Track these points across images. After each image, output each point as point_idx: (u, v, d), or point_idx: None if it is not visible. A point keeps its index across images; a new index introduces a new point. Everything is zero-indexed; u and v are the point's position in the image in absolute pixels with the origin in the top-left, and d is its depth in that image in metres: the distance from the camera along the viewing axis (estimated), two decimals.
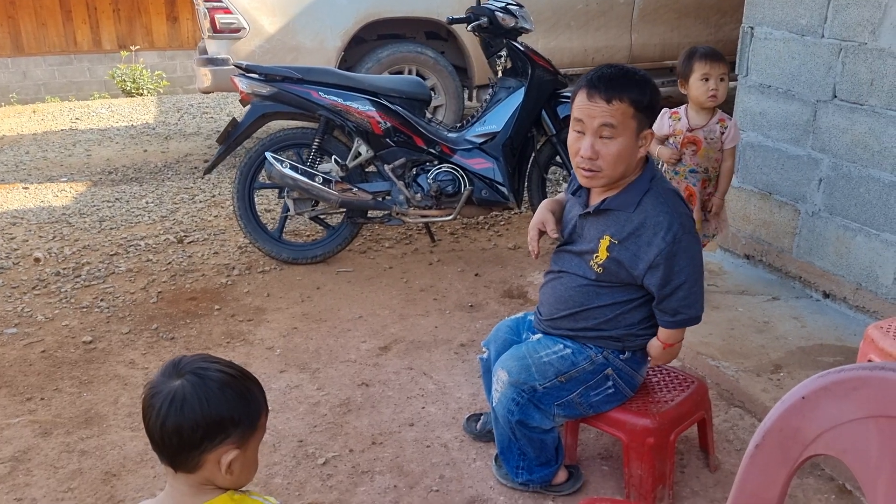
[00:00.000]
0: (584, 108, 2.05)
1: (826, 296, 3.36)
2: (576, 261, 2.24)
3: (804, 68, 3.33)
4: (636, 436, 2.22)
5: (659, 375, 2.43)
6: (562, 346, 2.24)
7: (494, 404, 2.27)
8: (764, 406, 2.66)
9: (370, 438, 2.69)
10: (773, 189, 3.57)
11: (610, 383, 2.22)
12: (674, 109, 3.26)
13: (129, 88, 10.68)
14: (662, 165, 3.25)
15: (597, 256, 2.15)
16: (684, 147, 3.22)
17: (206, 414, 1.29)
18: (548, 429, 2.26)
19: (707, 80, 3.10)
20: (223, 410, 1.30)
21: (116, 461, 2.60)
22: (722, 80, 3.12)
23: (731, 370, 2.86)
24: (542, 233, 2.33)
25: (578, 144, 2.08)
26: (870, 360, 2.39)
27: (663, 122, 3.23)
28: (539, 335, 2.33)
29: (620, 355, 2.21)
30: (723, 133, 3.19)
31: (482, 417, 2.68)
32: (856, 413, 1.03)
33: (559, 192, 4.78)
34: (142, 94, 10.60)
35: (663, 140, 3.26)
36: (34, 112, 8.98)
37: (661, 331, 2.17)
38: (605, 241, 2.13)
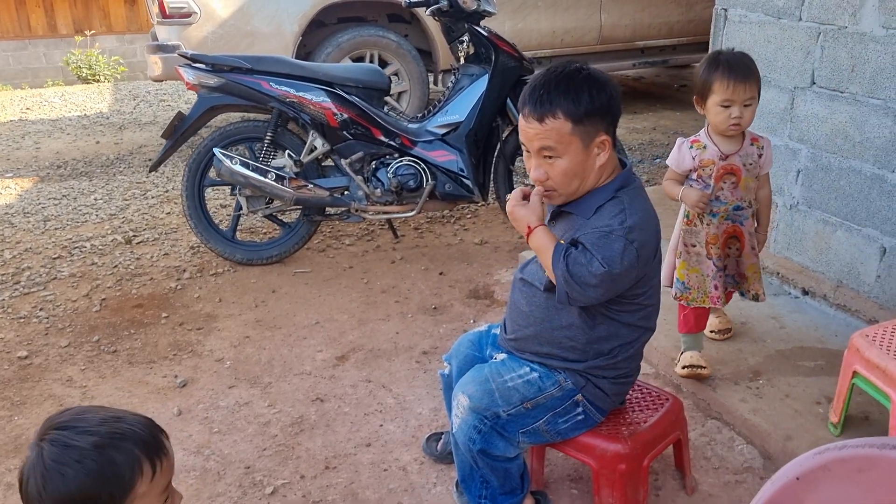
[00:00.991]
0: (523, 129, 1.90)
1: (805, 293, 3.21)
2: (534, 268, 2.06)
3: (781, 53, 3.15)
4: (607, 462, 2.04)
5: (631, 393, 2.25)
6: (528, 368, 2.05)
7: (455, 431, 2.09)
8: (742, 418, 2.50)
9: (323, 462, 2.49)
10: None
11: (580, 409, 2.03)
12: (693, 137, 2.57)
13: (84, 75, 10.29)
14: (686, 213, 2.60)
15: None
16: (719, 181, 2.51)
17: (49, 496, 1.10)
18: (512, 456, 2.08)
19: (728, 106, 2.42)
20: (71, 489, 1.11)
21: None
22: (748, 105, 2.43)
23: (707, 379, 2.69)
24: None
25: (529, 164, 1.94)
26: (855, 373, 2.24)
27: (683, 154, 2.54)
28: (504, 355, 2.14)
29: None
30: (760, 155, 2.55)
31: (443, 437, 2.50)
32: (862, 499, 0.85)
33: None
34: (99, 81, 10.22)
35: (684, 177, 2.58)
36: None
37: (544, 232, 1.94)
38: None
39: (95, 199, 5.08)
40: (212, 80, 3.72)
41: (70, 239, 4.40)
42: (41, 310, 3.56)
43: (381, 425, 2.67)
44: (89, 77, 10.28)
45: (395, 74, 6.00)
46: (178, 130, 3.82)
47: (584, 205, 1.94)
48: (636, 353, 2.05)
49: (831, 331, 2.97)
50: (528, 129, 1.88)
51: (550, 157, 1.88)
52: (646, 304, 1.99)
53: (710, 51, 3.51)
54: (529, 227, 1.94)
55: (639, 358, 2.09)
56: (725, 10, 3.40)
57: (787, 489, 0.91)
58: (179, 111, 3.83)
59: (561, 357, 2.00)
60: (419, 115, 4.19)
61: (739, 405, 2.55)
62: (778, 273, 3.32)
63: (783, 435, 2.38)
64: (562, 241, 1.90)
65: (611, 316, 1.95)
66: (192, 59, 3.77)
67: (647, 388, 2.28)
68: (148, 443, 1.18)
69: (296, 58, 5.58)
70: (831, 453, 0.89)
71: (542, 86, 1.86)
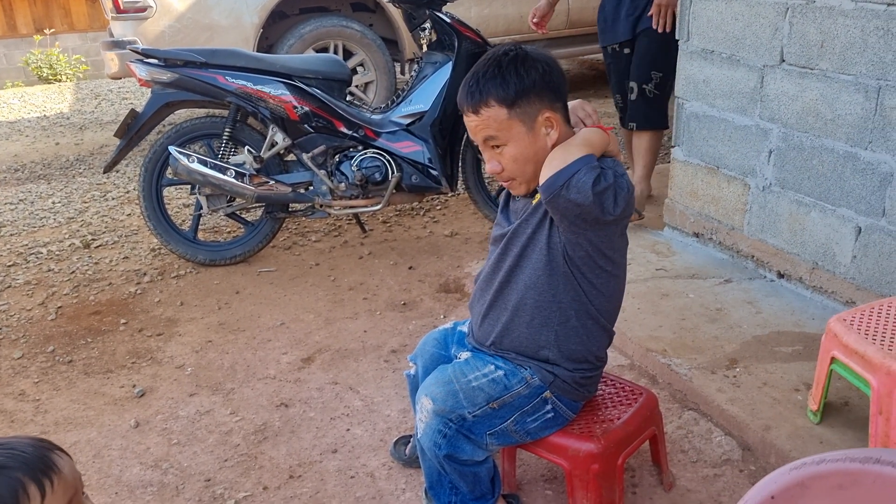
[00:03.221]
0: (466, 123, 1.84)
1: (780, 276, 3.14)
2: (497, 252, 1.96)
3: (749, 31, 3.07)
4: (579, 463, 1.95)
5: (603, 388, 2.16)
6: (493, 366, 1.95)
7: (420, 436, 1.98)
8: (720, 408, 2.42)
9: (287, 471, 2.38)
10: (721, 163, 3.32)
11: (549, 407, 1.94)
12: None
13: (45, 75, 10.05)
14: None
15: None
16: None
17: None
18: (481, 460, 1.98)
19: None
20: None
21: None
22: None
23: (683, 368, 2.61)
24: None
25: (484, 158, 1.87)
26: (833, 359, 2.17)
27: None
28: (468, 353, 2.05)
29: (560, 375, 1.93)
30: None
31: (411, 440, 2.39)
32: None
33: None
34: (60, 80, 9.99)
35: None
36: None
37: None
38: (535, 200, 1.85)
39: (53, 203, 4.92)
40: (165, 76, 3.58)
41: (26, 245, 4.24)
42: None
43: (348, 430, 2.57)
44: (50, 77, 10.05)
45: (361, 65, 5.87)
46: (132, 129, 3.67)
47: (547, 181, 1.83)
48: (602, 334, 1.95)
49: (808, 314, 2.90)
50: (469, 123, 1.81)
51: (497, 147, 1.80)
52: (616, 275, 1.89)
53: (677, 32, 3.44)
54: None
55: (606, 341, 1.99)
56: None
57: None
58: (133, 109, 3.69)
59: (522, 353, 1.91)
60: (383, 105, 4.07)
61: (716, 395, 2.47)
62: (753, 256, 3.24)
63: (762, 425, 2.30)
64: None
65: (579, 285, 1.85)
66: (144, 55, 3.63)
67: (620, 383, 2.19)
68: (33, 465, 1.09)
69: (257, 51, 5.45)
70: (808, 468, 0.80)
71: (472, 77, 1.78)
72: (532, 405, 1.93)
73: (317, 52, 5.59)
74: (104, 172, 3.96)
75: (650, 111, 3.95)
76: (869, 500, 0.74)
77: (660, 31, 3.75)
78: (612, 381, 2.20)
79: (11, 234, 4.41)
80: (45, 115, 7.52)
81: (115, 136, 3.72)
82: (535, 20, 4.17)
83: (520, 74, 1.74)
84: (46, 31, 10.85)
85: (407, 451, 2.38)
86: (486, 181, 4.17)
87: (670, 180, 3.65)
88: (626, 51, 3.97)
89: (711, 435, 2.40)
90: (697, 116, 3.40)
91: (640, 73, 3.89)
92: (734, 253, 3.34)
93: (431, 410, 1.94)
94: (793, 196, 3.01)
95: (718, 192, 3.37)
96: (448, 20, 3.74)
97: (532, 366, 1.93)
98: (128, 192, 5.07)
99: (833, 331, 2.17)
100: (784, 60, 2.94)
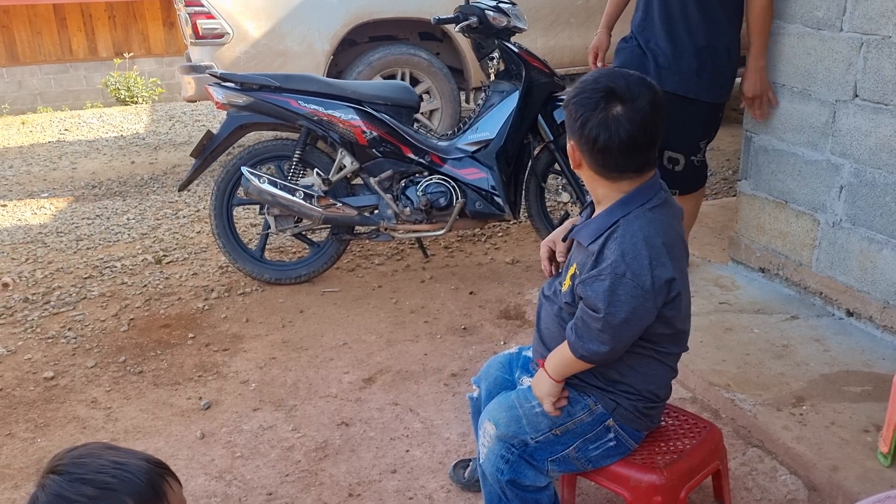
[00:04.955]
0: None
1: (850, 314, 3.07)
2: (556, 285, 1.98)
3: (821, 65, 3.04)
4: (641, 494, 1.94)
5: (667, 419, 2.14)
6: None
7: (482, 461, 2.00)
8: (786, 446, 2.37)
9: (347, 489, 2.42)
10: (790, 197, 3.28)
11: (611, 435, 1.94)
12: None
13: (123, 97, 10.44)
14: None
15: (565, 283, 1.91)
16: None
17: None
18: (542, 486, 1.99)
19: None
20: None
21: None
22: None
23: (747, 404, 2.57)
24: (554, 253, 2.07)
25: None
26: None
27: None
28: (531, 379, 2.06)
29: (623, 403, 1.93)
30: None
31: (471, 464, 2.41)
32: None
33: (558, 201, 4.51)
34: (136, 103, 10.36)
35: None
36: (23, 123, 8.77)
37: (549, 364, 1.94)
38: (571, 270, 1.88)
39: (128, 219, 5.10)
40: (240, 99, 3.71)
41: (101, 259, 4.40)
42: (69, 330, 3.55)
43: (408, 451, 2.60)
44: (127, 99, 10.43)
45: (427, 92, 5.96)
46: (207, 149, 3.81)
47: (585, 230, 1.86)
48: (666, 371, 1.95)
49: (878, 354, 2.83)
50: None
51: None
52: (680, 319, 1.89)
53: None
54: (547, 374, 1.92)
55: (671, 375, 1.99)
56: None
57: None
58: (208, 130, 3.82)
59: (583, 381, 1.92)
60: (449, 132, 4.13)
61: (782, 433, 2.42)
62: (821, 293, 3.18)
63: (829, 465, 2.25)
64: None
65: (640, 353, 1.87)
66: (222, 79, 3.77)
67: (684, 415, 2.17)
68: (143, 494, 1.13)
69: (327, 76, 5.58)
70: (891, 501, 0.79)
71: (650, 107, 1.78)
72: (595, 433, 1.93)
73: (384, 79, 5.70)
74: (179, 190, 4.10)
75: (693, 179, 3.36)
76: None
77: (759, 120, 3.32)
78: (675, 412, 2.18)
79: (88, 248, 4.58)
80: (122, 135, 7.81)
81: (190, 155, 3.86)
82: (594, 59, 3.61)
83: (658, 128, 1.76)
84: (126, 55, 11.27)
85: (466, 474, 2.40)
86: (549, 209, 4.19)
87: (737, 213, 3.61)
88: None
89: (776, 473, 2.35)
90: (766, 150, 3.37)
91: (688, 145, 3.23)
92: (801, 289, 3.29)
93: (494, 435, 1.96)
94: (864, 233, 2.96)
95: (786, 226, 3.32)
96: (516, 50, 3.79)
97: (596, 393, 1.93)
98: (198, 210, 5.23)
99: None
100: (857, 95, 2.90)
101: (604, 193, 1.83)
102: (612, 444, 1.95)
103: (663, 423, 2.13)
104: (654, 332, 1.84)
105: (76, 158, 6.92)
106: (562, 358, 1.88)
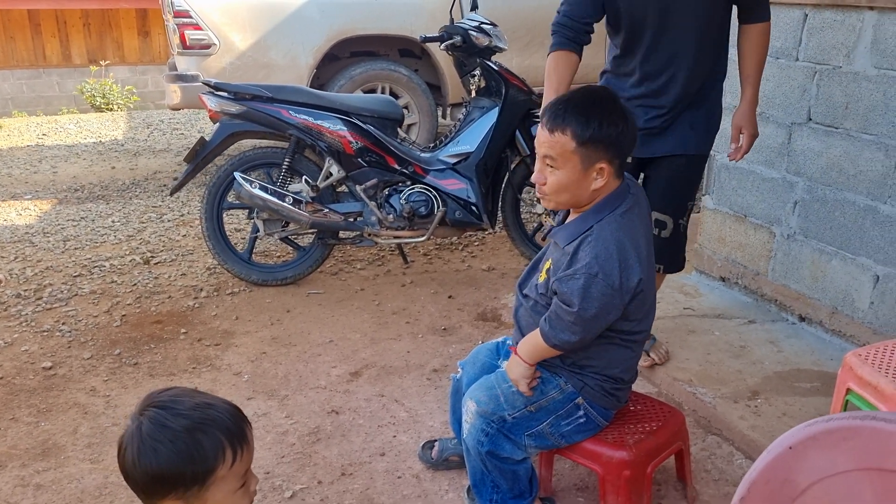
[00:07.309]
0: (537, 134, 2.05)
1: (802, 319, 3.34)
2: (532, 281, 2.21)
3: (779, 91, 3.32)
4: (612, 468, 2.15)
5: (636, 406, 2.37)
6: None
7: (465, 436, 2.21)
8: (742, 434, 2.61)
9: (339, 469, 2.60)
10: (749, 211, 3.55)
11: (581, 412, 2.16)
12: None
13: (98, 104, 10.52)
14: None
15: (541, 275, 2.15)
16: None
17: (141, 468, 1.24)
18: (519, 459, 2.20)
19: None
20: (162, 465, 1.24)
21: (74, 496, 2.48)
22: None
23: (707, 396, 2.81)
24: None
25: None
26: (848, 390, 2.36)
27: None
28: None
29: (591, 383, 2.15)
30: None
31: (436, 444, 2.61)
32: (846, 465, 0.97)
33: (532, 212, 4.75)
34: (111, 110, 10.44)
35: None
36: (0, 127, 8.80)
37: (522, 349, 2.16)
38: (547, 265, 2.12)
39: (113, 222, 5.23)
40: (233, 108, 3.89)
41: (90, 258, 4.53)
42: (63, 324, 3.68)
43: (395, 436, 2.79)
44: (102, 106, 10.51)
45: (405, 107, 6.18)
46: (200, 155, 3.97)
47: (563, 232, 2.09)
48: (630, 355, 2.18)
49: (827, 355, 3.09)
50: (540, 136, 2.02)
51: (551, 166, 2.02)
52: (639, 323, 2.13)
53: None
54: (521, 358, 2.13)
55: (635, 359, 2.21)
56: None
57: (781, 458, 1.03)
58: (202, 136, 3.99)
59: (553, 363, 2.15)
60: (431, 144, 4.35)
61: (739, 422, 2.66)
62: (776, 300, 3.45)
63: None
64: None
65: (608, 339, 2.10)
66: (215, 88, 3.94)
67: (651, 402, 2.40)
68: (232, 431, 1.31)
69: None
70: (819, 425, 1.01)
71: (565, 100, 2.00)
72: (566, 409, 2.15)
73: (365, 93, 5.92)
74: (171, 193, 4.25)
75: (678, 249, 2.98)
76: (867, 449, 0.95)
77: (735, 161, 2.98)
78: (643, 400, 2.40)
79: (76, 248, 4.71)
80: (100, 141, 7.91)
81: (184, 160, 4.02)
82: None
83: (602, 124, 1.95)
84: (101, 63, 11.34)
85: (433, 454, 2.60)
86: (523, 220, 4.42)
87: (700, 227, 3.87)
88: (640, 173, 2.92)
89: (733, 458, 2.59)
90: (728, 168, 3.64)
91: (676, 206, 2.86)
92: (758, 296, 3.55)
93: (475, 412, 2.17)
94: (815, 245, 3.23)
95: (745, 238, 3.58)
96: (497, 68, 4.03)
97: (565, 374, 2.15)
98: (182, 215, 5.37)
99: (849, 364, 2.37)
100: (811, 119, 3.18)
101: (599, 193, 2.05)
102: (582, 420, 2.16)
103: (632, 408, 2.35)
104: (619, 323, 2.07)
105: (56, 162, 7.01)
106: (535, 345, 2.10)
